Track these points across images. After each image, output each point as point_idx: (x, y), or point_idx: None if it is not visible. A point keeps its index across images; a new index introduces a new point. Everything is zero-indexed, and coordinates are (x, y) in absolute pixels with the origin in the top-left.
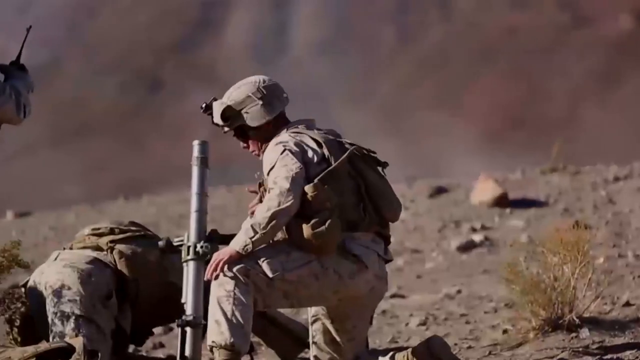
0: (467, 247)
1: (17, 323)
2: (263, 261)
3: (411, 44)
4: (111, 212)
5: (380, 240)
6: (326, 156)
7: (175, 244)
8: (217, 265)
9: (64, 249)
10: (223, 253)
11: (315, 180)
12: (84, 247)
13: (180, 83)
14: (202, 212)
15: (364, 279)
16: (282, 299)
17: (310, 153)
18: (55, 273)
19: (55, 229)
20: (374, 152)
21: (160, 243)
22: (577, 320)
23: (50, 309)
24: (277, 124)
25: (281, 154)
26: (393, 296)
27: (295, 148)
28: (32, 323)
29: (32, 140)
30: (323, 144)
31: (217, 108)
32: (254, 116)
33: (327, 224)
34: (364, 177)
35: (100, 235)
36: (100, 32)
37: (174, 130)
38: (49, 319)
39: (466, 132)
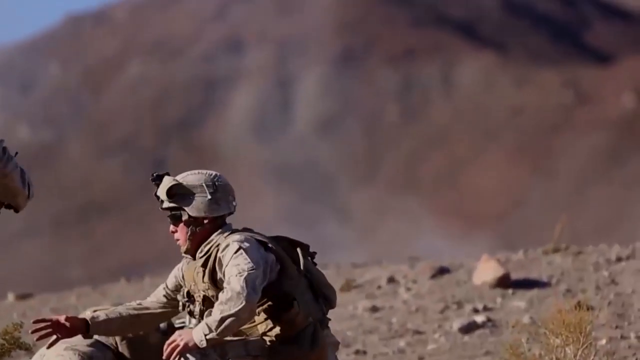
0: (469, 328)
1: None
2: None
3: (415, 123)
4: (113, 293)
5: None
6: (280, 258)
7: (176, 326)
8: (172, 349)
9: None
10: (181, 339)
11: (292, 298)
12: None
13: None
14: None
15: None
16: None
17: (266, 257)
18: (56, 356)
19: (57, 310)
20: (305, 243)
21: (162, 325)
22: None
23: None
24: (215, 224)
25: (235, 252)
26: None
27: (252, 247)
28: None
29: (34, 222)
30: (272, 248)
31: (167, 182)
32: (197, 206)
33: (320, 340)
34: (310, 272)
35: None
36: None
37: None
38: None
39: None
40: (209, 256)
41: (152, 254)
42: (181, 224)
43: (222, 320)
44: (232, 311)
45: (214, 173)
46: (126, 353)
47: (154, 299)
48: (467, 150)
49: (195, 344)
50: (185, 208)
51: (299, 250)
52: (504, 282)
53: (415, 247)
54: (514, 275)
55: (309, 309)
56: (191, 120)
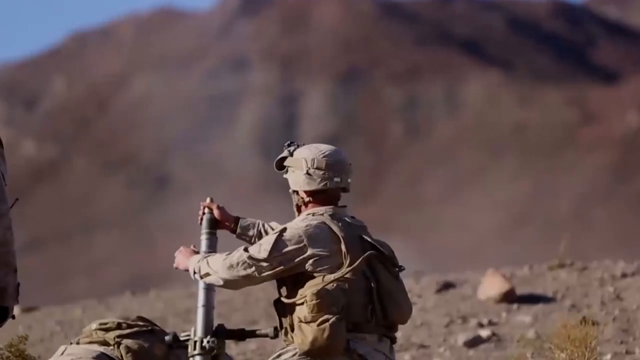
0: (474, 342)
1: None
2: None
3: (419, 139)
4: (118, 306)
5: (386, 339)
6: (343, 252)
7: (182, 338)
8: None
9: (71, 343)
10: (178, 261)
11: (323, 286)
12: (91, 342)
13: (187, 178)
14: (209, 306)
15: None
16: None
17: (320, 246)
18: None
19: (62, 323)
20: (392, 253)
21: (167, 338)
22: None
23: None
24: (314, 199)
25: (279, 235)
26: None
27: (295, 239)
28: None
29: (39, 236)
30: (342, 240)
31: (285, 154)
32: (294, 180)
33: (330, 326)
34: (377, 279)
35: (107, 330)
36: (109, 127)
37: (180, 224)
38: None
39: (474, 227)
40: None
41: (156, 267)
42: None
43: (207, 274)
44: (218, 277)
45: (325, 148)
46: None
47: None
48: (471, 167)
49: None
50: (289, 180)
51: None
52: (509, 297)
53: (420, 262)
54: (519, 290)
55: (349, 309)
56: (195, 136)
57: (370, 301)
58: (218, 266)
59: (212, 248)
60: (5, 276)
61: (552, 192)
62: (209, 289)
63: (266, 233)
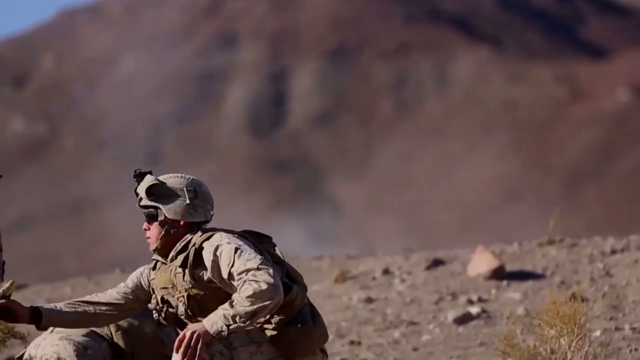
0: (464, 319)
1: None
2: (236, 347)
3: (408, 117)
4: (108, 284)
5: None
6: (259, 251)
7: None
8: (189, 341)
9: None
10: (194, 332)
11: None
12: None
13: (177, 156)
14: None
15: None
16: None
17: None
18: (51, 346)
19: (52, 301)
20: (268, 235)
21: (156, 315)
22: None
23: None
24: (189, 229)
25: (235, 252)
26: None
27: (246, 244)
28: None
29: (28, 214)
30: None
31: (148, 180)
32: (174, 208)
33: (310, 325)
34: (281, 261)
35: None
36: (99, 105)
37: None
38: None
39: (463, 204)
40: (187, 255)
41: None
42: (155, 223)
43: (255, 312)
44: (266, 303)
45: (196, 179)
46: (121, 343)
47: (108, 297)
48: (461, 144)
49: (211, 335)
50: (163, 208)
51: (269, 241)
52: (499, 274)
53: (410, 239)
54: (509, 267)
55: (301, 291)
56: (185, 114)
57: (292, 281)
58: (262, 298)
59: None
60: None
61: (542, 169)
62: None
63: (87, 305)
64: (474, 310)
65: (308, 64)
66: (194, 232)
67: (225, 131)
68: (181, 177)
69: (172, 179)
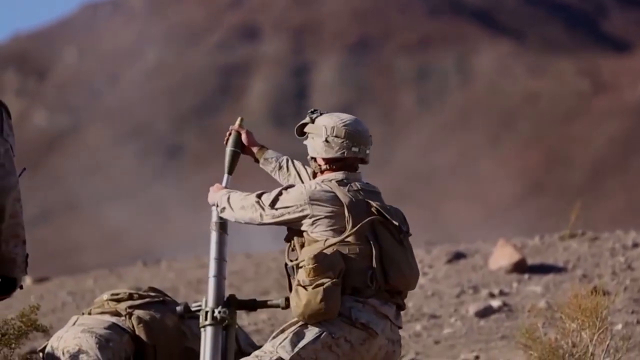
0: (485, 312)
1: None
2: (277, 346)
3: (431, 110)
4: (130, 277)
5: (392, 304)
6: (345, 217)
7: (193, 309)
8: None
9: (83, 314)
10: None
11: (321, 250)
12: (103, 313)
13: (199, 149)
14: (220, 277)
15: (377, 344)
16: None
17: (321, 208)
18: (73, 338)
19: (74, 294)
20: (403, 219)
21: (179, 308)
22: None
23: None
24: (331, 167)
25: (285, 188)
26: None
27: (297, 196)
28: None
29: (50, 207)
30: (345, 205)
31: (306, 120)
32: (313, 146)
33: (324, 290)
34: (380, 244)
35: (119, 300)
36: (121, 98)
37: (192, 195)
38: None
39: (485, 197)
40: None
41: (167, 238)
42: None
43: (224, 209)
44: (232, 214)
45: (348, 119)
46: (143, 336)
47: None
48: (483, 137)
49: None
50: (308, 147)
51: (378, 222)
52: (520, 267)
53: (432, 232)
54: (530, 261)
55: (349, 274)
56: (207, 107)
57: (370, 266)
58: (235, 204)
59: (222, 246)
60: (14, 247)
61: (564, 162)
62: (220, 259)
63: (287, 169)
64: (495, 303)
65: (330, 57)
66: (331, 171)
67: (247, 124)
68: (333, 117)
69: (323, 118)
